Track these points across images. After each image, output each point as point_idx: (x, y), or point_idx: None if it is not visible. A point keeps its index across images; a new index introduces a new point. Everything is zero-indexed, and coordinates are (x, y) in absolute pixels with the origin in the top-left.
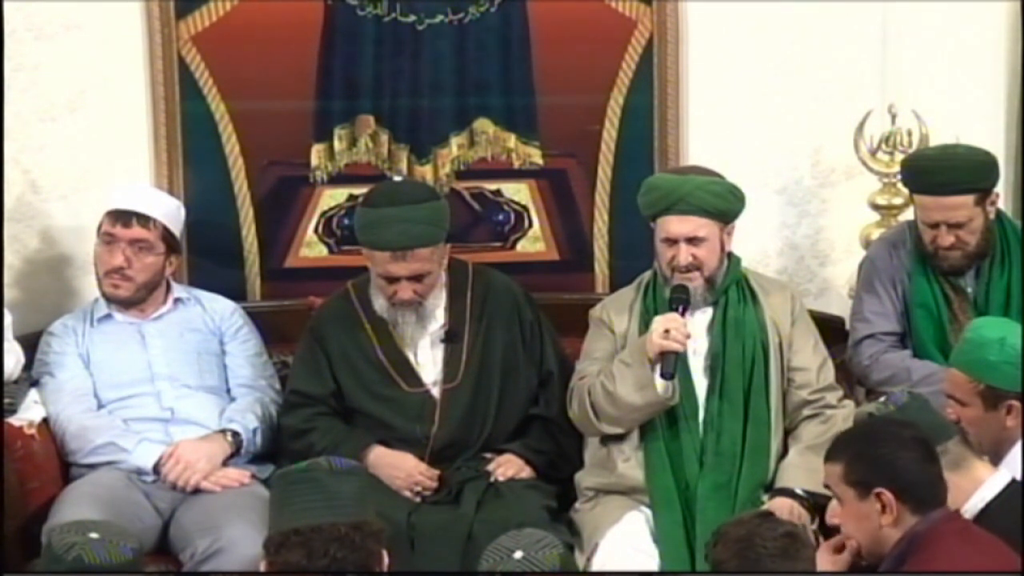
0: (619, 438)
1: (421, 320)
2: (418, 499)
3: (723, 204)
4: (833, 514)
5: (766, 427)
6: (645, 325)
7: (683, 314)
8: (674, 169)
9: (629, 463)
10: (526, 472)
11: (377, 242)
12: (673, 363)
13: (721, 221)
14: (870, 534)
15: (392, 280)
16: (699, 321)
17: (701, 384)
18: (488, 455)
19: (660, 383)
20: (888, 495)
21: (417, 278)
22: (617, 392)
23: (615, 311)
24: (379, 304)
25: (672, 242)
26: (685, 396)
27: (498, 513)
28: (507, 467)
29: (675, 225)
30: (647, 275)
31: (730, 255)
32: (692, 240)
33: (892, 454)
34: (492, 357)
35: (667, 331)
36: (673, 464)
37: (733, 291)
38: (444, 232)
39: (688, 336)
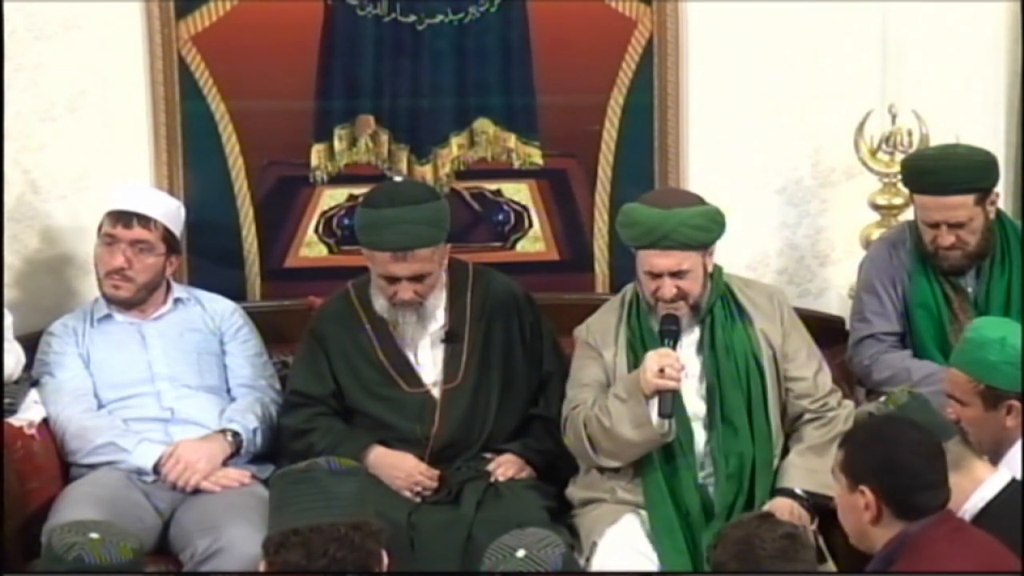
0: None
1: (422, 320)
2: (418, 499)
3: (705, 236)
4: (836, 495)
5: (768, 442)
6: (632, 351)
7: (674, 346)
8: (654, 198)
9: (627, 489)
10: (526, 472)
11: (378, 243)
12: (670, 402)
13: (703, 249)
14: (855, 526)
15: (393, 280)
16: (687, 343)
17: (698, 407)
18: (488, 455)
19: (657, 420)
20: (869, 494)
21: (418, 278)
22: (614, 429)
23: (600, 335)
24: (379, 304)
25: (655, 275)
26: (679, 423)
27: (498, 513)
28: (507, 467)
29: (658, 260)
30: (629, 291)
31: (711, 275)
32: (676, 273)
33: (886, 455)
34: (492, 357)
35: (662, 370)
36: (672, 493)
37: (719, 308)
38: (444, 233)
39: (683, 369)
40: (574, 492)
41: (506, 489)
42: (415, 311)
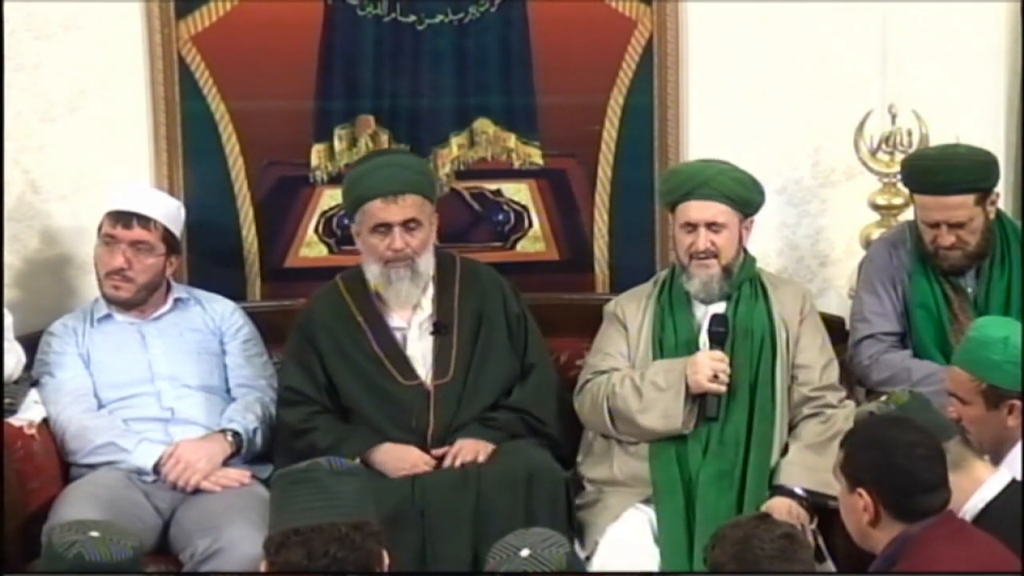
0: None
1: (414, 280)
2: None
3: (744, 191)
4: (838, 494)
5: (770, 420)
6: (660, 323)
7: (723, 347)
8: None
9: (632, 450)
10: (485, 451)
11: (367, 189)
12: (716, 406)
13: (741, 210)
14: (855, 527)
15: (385, 231)
16: (712, 312)
17: None
18: (443, 450)
19: (683, 417)
20: (867, 496)
21: (408, 227)
22: (640, 416)
23: (629, 306)
24: (372, 272)
25: (692, 228)
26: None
27: (506, 464)
28: (464, 454)
29: (695, 211)
30: (664, 273)
31: (746, 252)
32: (712, 226)
33: (884, 458)
34: (481, 351)
35: (716, 376)
36: (678, 454)
37: (746, 287)
38: (432, 189)
39: (729, 373)
40: (584, 470)
41: (512, 446)
42: (408, 267)
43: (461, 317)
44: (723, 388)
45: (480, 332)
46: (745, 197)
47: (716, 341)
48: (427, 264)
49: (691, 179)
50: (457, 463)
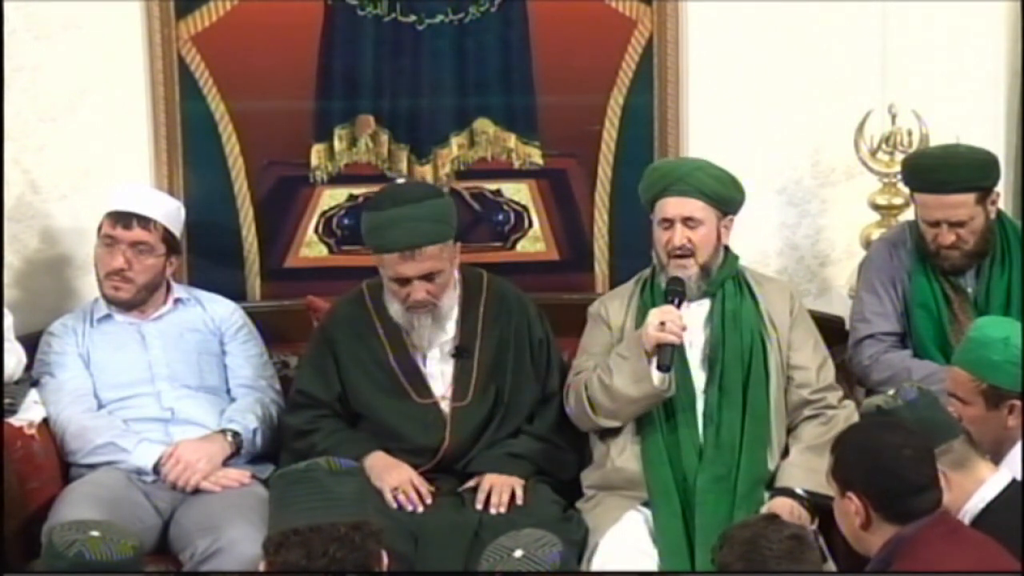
0: (616, 431)
1: (437, 322)
2: (394, 505)
3: (722, 189)
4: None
5: (764, 420)
6: (642, 319)
7: (679, 306)
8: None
9: (625, 455)
10: (518, 486)
11: (384, 244)
12: (670, 355)
13: (719, 208)
14: (850, 531)
15: (404, 282)
16: (696, 313)
17: (699, 376)
18: (470, 484)
19: (657, 375)
20: (857, 500)
21: (428, 278)
22: (614, 385)
23: (612, 306)
24: (394, 309)
25: (669, 224)
26: (683, 388)
27: (506, 514)
28: (499, 494)
29: (672, 206)
30: (646, 272)
31: (727, 250)
32: (688, 221)
33: (871, 461)
34: (501, 375)
35: (663, 323)
36: (671, 457)
37: (730, 284)
38: (452, 230)
39: (684, 328)
40: (584, 476)
41: (531, 498)
42: (430, 313)
43: (483, 341)
44: (672, 337)
45: (502, 357)
46: (723, 194)
47: (671, 296)
48: (450, 301)
49: (668, 175)
50: (493, 509)
